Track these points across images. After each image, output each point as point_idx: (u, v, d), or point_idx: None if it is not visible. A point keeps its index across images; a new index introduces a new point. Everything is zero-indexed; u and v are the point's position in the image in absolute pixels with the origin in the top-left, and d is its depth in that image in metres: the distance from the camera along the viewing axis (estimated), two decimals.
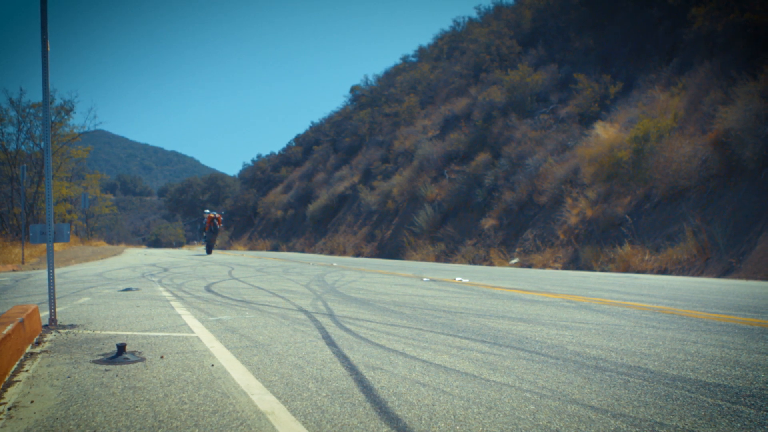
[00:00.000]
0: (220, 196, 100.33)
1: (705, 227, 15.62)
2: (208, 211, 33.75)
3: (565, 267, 19.80)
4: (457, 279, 13.11)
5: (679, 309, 7.49)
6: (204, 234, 33.17)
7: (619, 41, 28.04)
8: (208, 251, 32.45)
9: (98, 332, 6.23)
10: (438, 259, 27.24)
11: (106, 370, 4.51)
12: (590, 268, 18.40)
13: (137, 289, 11.03)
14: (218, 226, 32.48)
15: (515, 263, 22.24)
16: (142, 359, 4.88)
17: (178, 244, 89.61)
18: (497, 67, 35.60)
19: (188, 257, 28.76)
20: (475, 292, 10.05)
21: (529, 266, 21.23)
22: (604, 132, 22.08)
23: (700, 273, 14.89)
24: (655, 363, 4.50)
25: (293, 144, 74.99)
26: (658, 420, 3.15)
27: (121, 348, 4.97)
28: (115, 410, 3.47)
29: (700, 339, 5.41)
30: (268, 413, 3.38)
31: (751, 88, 16.58)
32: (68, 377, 4.31)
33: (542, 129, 27.48)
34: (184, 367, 4.61)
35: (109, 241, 68.60)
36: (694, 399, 3.52)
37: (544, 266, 20.62)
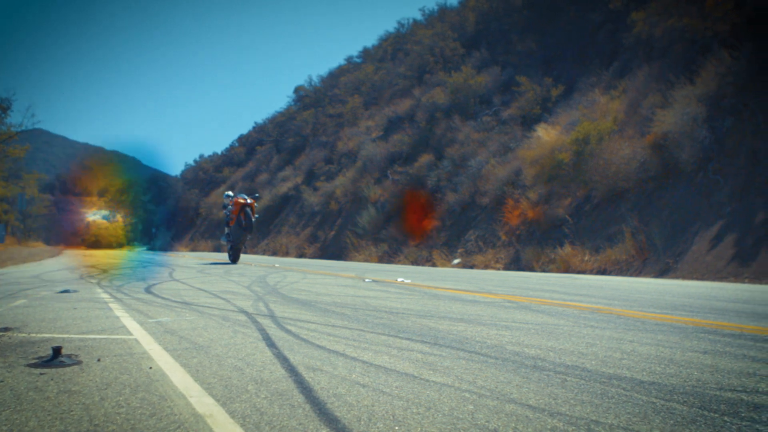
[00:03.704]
0: (161, 197, 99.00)
1: (643, 228, 15.94)
2: (231, 194, 21.75)
3: (507, 267, 20.01)
4: (399, 280, 13.13)
5: (616, 309, 7.62)
6: (227, 230, 21.33)
7: (561, 45, 28.48)
8: (234, 258, 20.98)
9: (33, 335, 6.09)
10: (381, 260, 27.28)
11: (40, 374, 4.40)
12: (531, 269, 18.62)
13: (75, 291, 10.80)
14: (253, 218, 20.14)
15: (457, 264, 22.39)
16: (79, 362, 4.77)
17: (119, 246, 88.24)
18: (441, 69, 35.85)
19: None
20: (417, 293, 10.08)
21: (471, 267, 21.39)
22: (546, 134, 22.38)
23: (638, 273, 15.18)
24: (592, 362, 4.56)
25: (236, 144, 74.62)
26: (593, 418, 3.19)
27: (57, 351, 4.85)
28: (49, 414, 3.39)
29: (636, 338, 5.50)
30: (206, 416, 3.34)
31: (689, 92, 16.98)
32: (1, 381, 4.21)
33: (485, 131, 27.76)
34: (121, 369, 4.53)
35: (48, 242, 67.30)
36: (629, 397, 3.58)
37: (486, 267, 20.81)
